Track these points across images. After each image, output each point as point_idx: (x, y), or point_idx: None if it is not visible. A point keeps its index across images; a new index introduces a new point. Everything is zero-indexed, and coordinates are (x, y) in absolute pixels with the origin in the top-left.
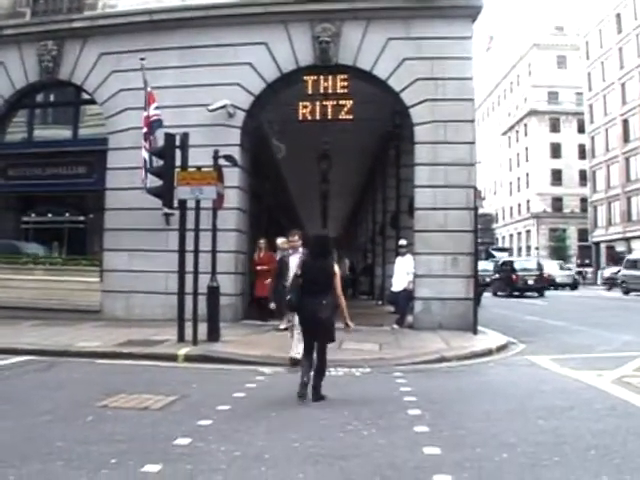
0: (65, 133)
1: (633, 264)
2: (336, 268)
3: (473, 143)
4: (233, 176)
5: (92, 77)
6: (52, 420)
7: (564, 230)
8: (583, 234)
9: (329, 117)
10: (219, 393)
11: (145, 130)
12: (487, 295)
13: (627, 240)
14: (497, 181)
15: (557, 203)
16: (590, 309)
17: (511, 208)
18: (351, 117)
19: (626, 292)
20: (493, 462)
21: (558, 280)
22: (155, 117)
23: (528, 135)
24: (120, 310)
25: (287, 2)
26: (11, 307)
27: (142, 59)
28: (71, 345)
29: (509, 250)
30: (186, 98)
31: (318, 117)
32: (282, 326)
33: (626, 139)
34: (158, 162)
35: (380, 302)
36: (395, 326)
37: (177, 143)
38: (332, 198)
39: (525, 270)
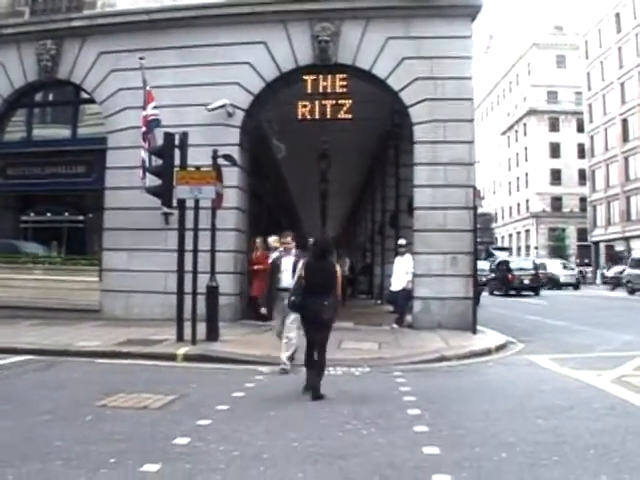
0: (64, 132)
1: (638, 263)
2: (337, 268)
3: (472, 142)
4: (232, 176)
5: (91, 76)
6: (51, 420)
7: (563, 230)
8: (582, 234)
9: (328, 116)
10: (218, 393)
11: (144, 130)
12: (484, 294)
13: (626, 240)
14: (496, 181)
15: (556, 203)
16: (592, 309)
17: (510, 208)
18: (350, 116)
19: (631, 292)
20: (492, 462)
21: (562, 280)
22: (153, 116)
23: (527, 135)
24: (119, 309)
25: (286, 1)
26: (10, 307)
27: (141, 58)
28: (70, 345)
29: (509, 250)
30: (185, 97)
31: (317, 116)
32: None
33: (625, 138)
34: (157, 161)
35: (379, 301)
36: (394, 325)
37: (176, 142)
38: (331, 197)
39: (521, 270)
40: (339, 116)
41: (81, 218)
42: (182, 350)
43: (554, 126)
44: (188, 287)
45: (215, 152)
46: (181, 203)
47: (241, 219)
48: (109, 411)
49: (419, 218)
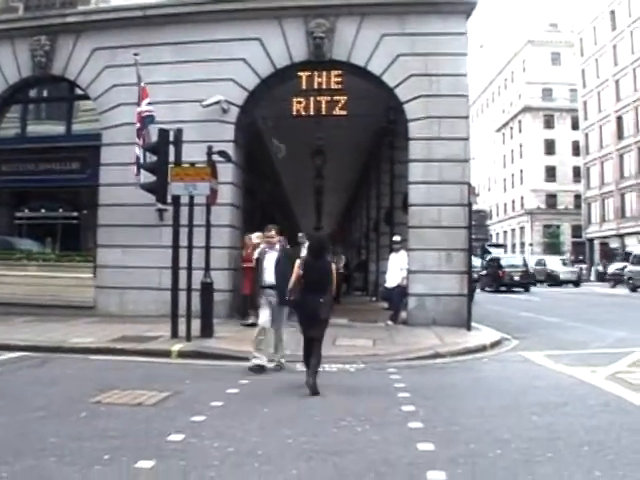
0: (58, 129)
1: None
2: (333, 266)
3: (467, 139)
4: (227, 172)
5: (85, 72)
6: (45, 416)
7: (558, 226)
8: (577, 230)
9: (323, 113)
10: (212, 389)
11: (138, 126)
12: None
13: (621, 237)
14: (491, 177)
15: (551, 199)
16: (584, 305)
17: (505, 204)
18: (345, 113)
19: (633, 289)
20: (487, 458)
21: (561, 277)
22: (147, 113)
23: (522, 132)
24: (114, 306)
25: None
26: (4, 303)
27: (136, 54)
28: (65, 341)
29: (504, 246)
30: (180, 94)
31: (312, 113)
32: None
33: (620, 136)
34: (151, 158)
35: (374, 298)
36: (389, 322)
37: (171, 139)
38: (326, 194)
39: (511, 266)
40: (334, 112)
41: (75, 214)
42: (176, 347)
43: (549, 123)
44: (183, 283)
45: (210, 148)
46: (176, 199)
47: (235, 215)
48: (103, 407)
49: (414, 215)
